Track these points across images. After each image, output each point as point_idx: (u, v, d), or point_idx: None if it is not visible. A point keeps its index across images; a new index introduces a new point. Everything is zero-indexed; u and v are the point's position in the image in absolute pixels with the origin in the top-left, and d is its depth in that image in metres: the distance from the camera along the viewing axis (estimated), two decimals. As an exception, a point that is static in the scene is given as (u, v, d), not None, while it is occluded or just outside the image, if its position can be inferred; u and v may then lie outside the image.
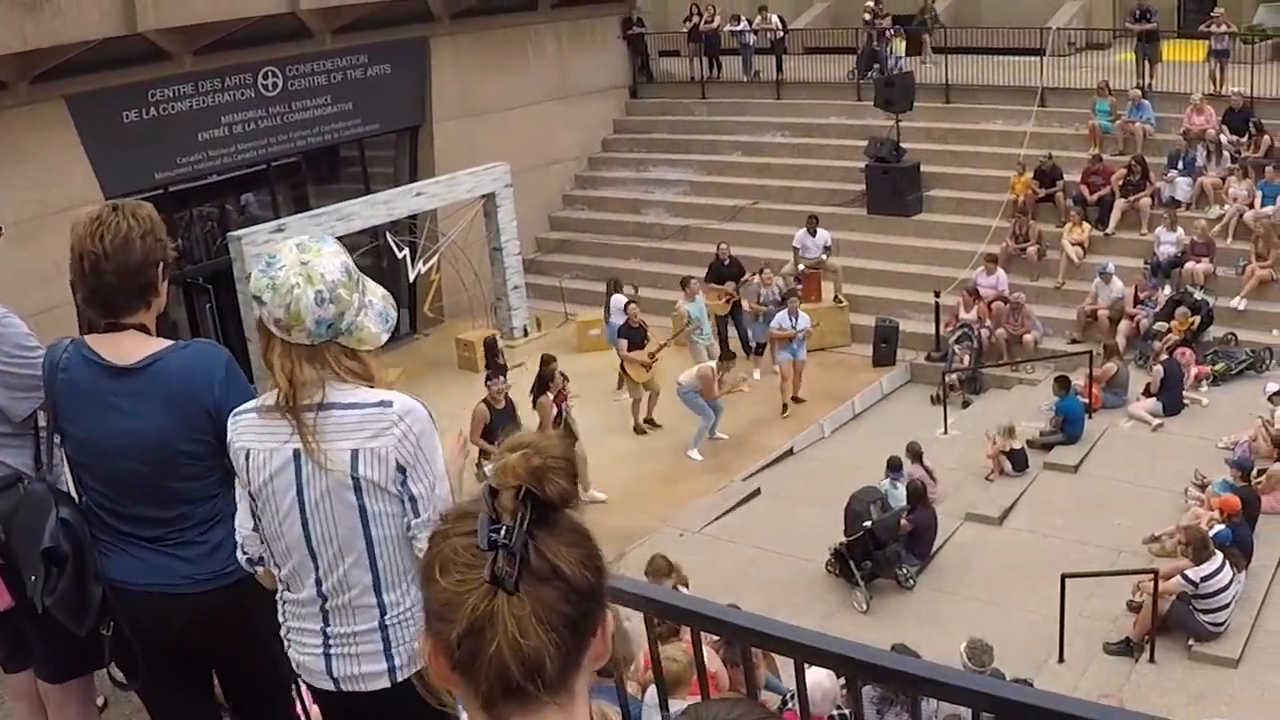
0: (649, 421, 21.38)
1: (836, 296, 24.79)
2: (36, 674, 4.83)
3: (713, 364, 20.77)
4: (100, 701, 5.43)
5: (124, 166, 22.66)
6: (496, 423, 17.27)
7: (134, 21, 21.47)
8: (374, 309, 3.68)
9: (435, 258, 25.54)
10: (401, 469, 3.58)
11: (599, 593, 1.97)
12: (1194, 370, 20.69)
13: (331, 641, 3.77)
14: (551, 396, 18.46)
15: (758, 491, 19.21)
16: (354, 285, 3.59)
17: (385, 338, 3.72)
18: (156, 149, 23.53)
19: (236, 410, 3.77)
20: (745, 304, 24.07)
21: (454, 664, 1.92)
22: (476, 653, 1.88)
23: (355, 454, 3.55)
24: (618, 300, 23.33)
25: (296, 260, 3.52)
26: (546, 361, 19.42)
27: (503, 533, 1.88)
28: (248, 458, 3.67)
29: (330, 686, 3.84)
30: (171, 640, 4.20)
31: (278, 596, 3.88)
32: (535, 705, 1.91)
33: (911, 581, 16.39)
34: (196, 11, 22.36)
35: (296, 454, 3.58)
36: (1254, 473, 16.84)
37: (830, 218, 26.10)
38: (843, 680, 7.89)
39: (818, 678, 7.99)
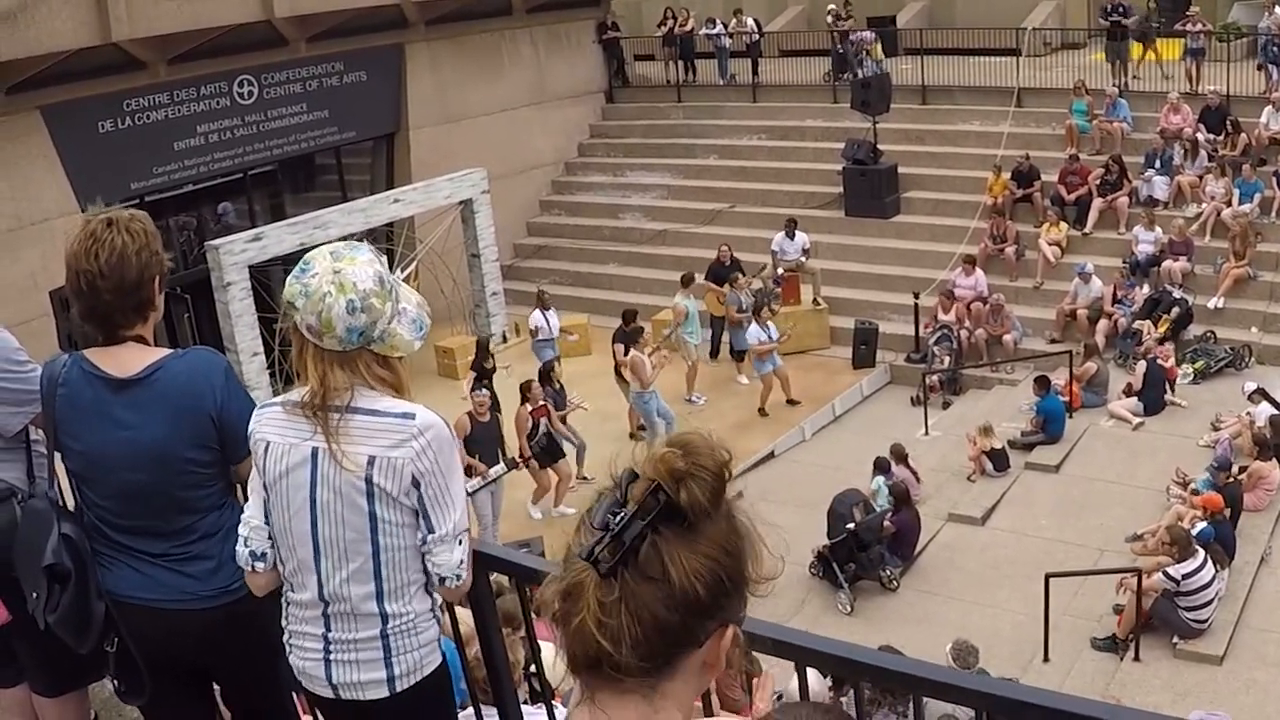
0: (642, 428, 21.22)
1: (815, 299, 24.79)
2: (31, 688, 4.80)
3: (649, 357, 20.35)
4: (91, 716, 5.38)
5: (100, 177, 22.47)
6: (479, 434, 17.17)
7: (108, 31, 21.41)
8: (407, 316, 3.68)
9: (413, 265, 25.44)
10: (416, 482, 3.59)
11: (707, 608, 1.95)
12: (1168, 366, 20.72)
13: (332, 647, 3.76)
14: (529, 410, 18.25)
15: (739, 495, 18.99)
16: (387, 294, 3.58)
17: (419, 345, 3.72)
18: (132, 159, 23.43)
19: (262, 404, 3.80)
20: (729, 311, 23.83)
21: (554, 616, 1.96)
22: (569, 616, 1.92)
23: (372, 460, 3.56)
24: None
25: (330, 268, 3.53)
26: (542, 375, 19.19)
27: (618, 519, 1.89)
28: (266, 450, 3.68)
29: (329, 694, 3.83)
30: (176, 656, 4.18)
31: (282, 598, 3.87)
32: (618, 686, 1.94)
33: (895, 583, 16.41)
34: (170, 21, 22.28)
35: (315, 452, 3.60)
36: (1235, 470, 16.90)
37: (808, 220, 26.09)
38: (829, 680, 7.87)
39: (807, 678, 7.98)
